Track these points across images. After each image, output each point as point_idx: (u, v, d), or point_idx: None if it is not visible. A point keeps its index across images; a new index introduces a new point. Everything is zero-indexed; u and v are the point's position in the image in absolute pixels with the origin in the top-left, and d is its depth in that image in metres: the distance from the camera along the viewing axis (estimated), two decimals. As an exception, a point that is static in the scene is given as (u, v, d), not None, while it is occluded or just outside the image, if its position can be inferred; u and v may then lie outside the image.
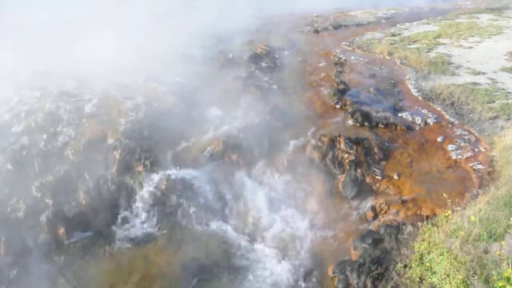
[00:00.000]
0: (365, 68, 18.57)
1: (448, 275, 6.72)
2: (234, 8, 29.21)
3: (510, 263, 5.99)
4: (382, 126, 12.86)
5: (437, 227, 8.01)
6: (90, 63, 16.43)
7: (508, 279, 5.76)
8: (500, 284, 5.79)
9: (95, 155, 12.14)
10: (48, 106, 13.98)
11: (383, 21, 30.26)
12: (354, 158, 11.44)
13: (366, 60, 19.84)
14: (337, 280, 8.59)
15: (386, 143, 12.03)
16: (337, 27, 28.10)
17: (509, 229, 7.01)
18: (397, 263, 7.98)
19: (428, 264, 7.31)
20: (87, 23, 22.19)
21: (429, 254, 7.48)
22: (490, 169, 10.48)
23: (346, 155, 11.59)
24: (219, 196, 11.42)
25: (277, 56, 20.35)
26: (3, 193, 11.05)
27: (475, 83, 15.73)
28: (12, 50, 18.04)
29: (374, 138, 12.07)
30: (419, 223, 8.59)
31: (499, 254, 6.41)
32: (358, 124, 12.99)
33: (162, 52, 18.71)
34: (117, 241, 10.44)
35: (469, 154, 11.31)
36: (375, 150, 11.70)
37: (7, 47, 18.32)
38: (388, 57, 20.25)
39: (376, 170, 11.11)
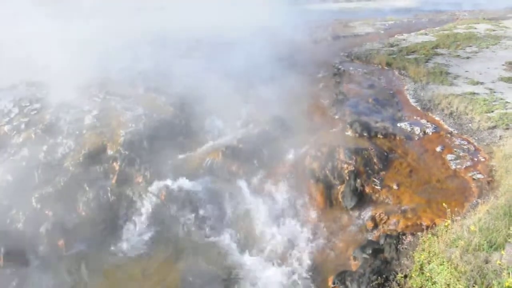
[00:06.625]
0: (363, 78, 18.69)
1: (448, 285, 6.69)
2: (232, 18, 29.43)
3: (510, 273, 5.97)
4: (381, 136, 12.91)
5: (437, 237, 8.00)
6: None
7: (508, 288, 5.73)
8: (501, 294, 5.77)
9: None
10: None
11: (382, 31, 30.53)
12: (353, 168, 11.46)
13: (365, 70, 19.98)
14: (337, 290, 8.54)
15: (385, 153, 12.06)
16: (336, 37, 28.35)
17: (509, 238, 6.99)
18: (397, 273, 7.94)
19: (428, 274, 7.28)
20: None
21: (429, 264, 7.45)
22: (490, 179, 10.50)
23: (345, 166, 11.60)
24: (219, 206, 11.40)
25: (276, 66, 20.43)
26: (3, 204, 11.03)
27: (473, 93, 15.84)
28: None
29: (373, 148, 12.10)
30: (419, 233, 8.57)
31: (499, 264, 6.39)
32: (357, 135, 13.03)
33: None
34: (117, 252, 10.39)
35: (468, 163, 11.32)
36: (375, 160, 11.71)
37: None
38: (386, 68, 20.40)
39: (375, 180, 11.12)
